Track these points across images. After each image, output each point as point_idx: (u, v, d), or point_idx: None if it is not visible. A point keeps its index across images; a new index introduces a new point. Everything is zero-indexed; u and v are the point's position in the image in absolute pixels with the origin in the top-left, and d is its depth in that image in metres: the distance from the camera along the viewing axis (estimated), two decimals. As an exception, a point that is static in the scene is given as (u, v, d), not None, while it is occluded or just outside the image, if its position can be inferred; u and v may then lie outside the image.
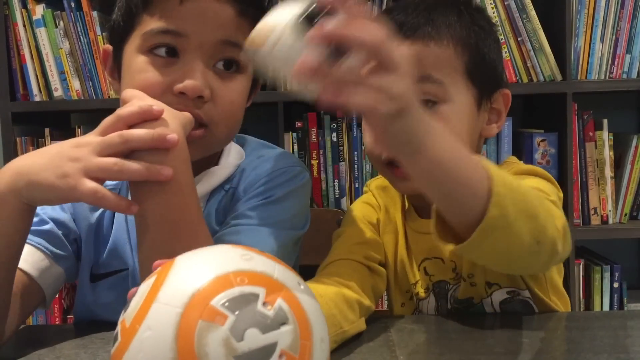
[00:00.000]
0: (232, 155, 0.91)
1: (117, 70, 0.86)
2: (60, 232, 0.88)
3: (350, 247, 0.91)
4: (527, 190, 0.67)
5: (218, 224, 0.87)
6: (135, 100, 0.74)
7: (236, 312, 0.45)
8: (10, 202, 0.71)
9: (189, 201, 0.73)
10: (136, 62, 0.80)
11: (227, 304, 0.45)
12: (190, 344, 0.44)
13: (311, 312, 0.48)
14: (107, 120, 0.73)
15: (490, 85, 0.90)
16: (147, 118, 0.71)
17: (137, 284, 0.83)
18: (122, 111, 0.72)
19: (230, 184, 0.89)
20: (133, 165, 0.70)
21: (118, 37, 0.84)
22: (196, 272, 0.47)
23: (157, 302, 0.46)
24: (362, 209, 0.99)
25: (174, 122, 0.73)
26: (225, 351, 0.44)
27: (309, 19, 0.55)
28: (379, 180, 1.02)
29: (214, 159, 0.89)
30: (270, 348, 0.45)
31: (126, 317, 0.48)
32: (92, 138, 0.72)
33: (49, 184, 0.70)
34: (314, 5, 0.55)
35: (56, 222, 0.88)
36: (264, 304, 0.46)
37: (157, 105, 0.72)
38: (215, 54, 0.80)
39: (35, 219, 0.87)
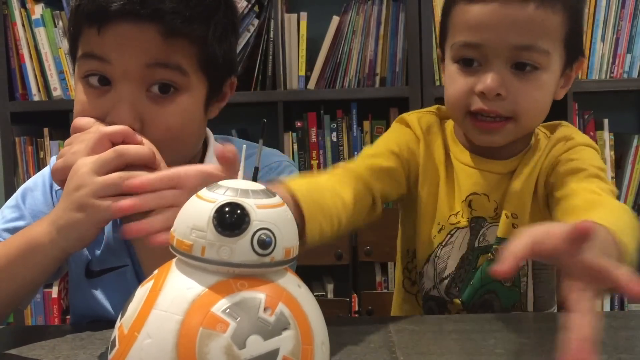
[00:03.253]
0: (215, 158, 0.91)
1: None
2: None
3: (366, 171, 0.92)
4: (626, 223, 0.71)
5: None
6: (96, 127, 0.76)
7: (237, 319, 0.44)
8: (49, 253, 0.75)
9: None
10: (76, 89, 0.82)
11: (228, 310, 0.44)
12: (191, 352, 0.43)
13: (312, 315, 0.48)
14: (92, 139, 0.73)
15: (576, 54, 0.93)
16: (128, 138, 0.74)
17: (141, 279, 0.83)
18: (105, 129, 0.74)
19: None
20: (138, 173, 0.70)
21: (73, 62, 0.85)
22: (195, 277, 0.46)
23: (156, 308, 0.45)
24: (402, 135, 0.99)
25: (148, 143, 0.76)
26: (227, 359, 0.43)
27: None
28: (422, 115, 1.02)
29: (194, 161, 0.90)
30: (272, 354, 0.44)
31: (124, 323, 0.47)
32: (84, 160, 0.72)
33: (73, 221, 0.71)
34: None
35: (37, 218, 0.88)
36: (265, 309, 0.45)
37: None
38: (144, 79, 0.78)
39: (15, 214, 0.89)
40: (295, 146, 1.94)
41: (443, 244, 0.97)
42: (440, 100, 1.91)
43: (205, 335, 0.43)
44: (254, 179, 0.51)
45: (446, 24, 0.93)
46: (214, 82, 0.85)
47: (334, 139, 1.96)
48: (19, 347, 0.75)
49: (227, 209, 0.45)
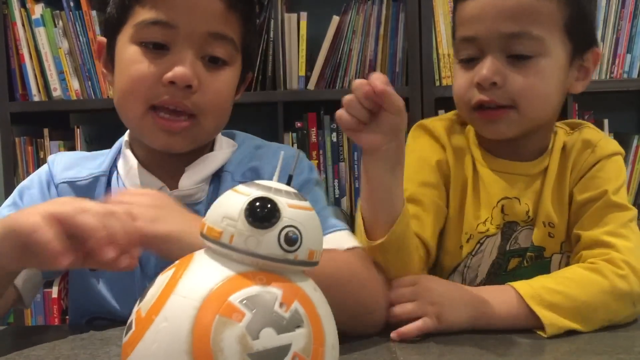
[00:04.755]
0: (224, 145, 0.93)
1: (110, 62, 0.88)
2: None
3: (418, 188, 0.94)
4: (567, 291, 0.80)
5: None
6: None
7: (253, 310, 0.45)
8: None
9: None
10: (128, 52, 0.83)
11: (245, 301, 0.45)
12: (206, 338, 0.44)
13: (325, 318, 0.49)
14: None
15: (585, 42, 0.92)
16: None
17: (145, 271, 0.82)
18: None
19: (226, 170, 0.90)
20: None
21: (112, 29, 0.86)
22: (216, 267, 0.48)
23: (175, 294, 0.46)
24: (428, 147, 0.98)
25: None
26: (240, 348, 0.44)
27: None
28: (444, 122, 1.00)
29: (205, 152, 0.90)
30: (284, 349, 0.45)
31: (142, 307, 0.48)
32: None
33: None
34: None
35: None
36: (281, 304, 0.46)
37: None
38: (203, 46, 0.82)
39: (13, 209, 0.88)
40: (295, 146, 1.94)
41: (473, 253, 0.96)
42: (440, 100, 1.91)
43: (221, 323, 0.44)
44: (288, 183, 0.52)
45: (454, 25, 0.96)
46: (245, 66, 0.90)
47: (334, 139, 1.96)
48: (19, 347, 0.75)
49: (259, 203, 0.48)
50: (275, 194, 0.49)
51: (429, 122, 1.01)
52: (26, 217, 0.63)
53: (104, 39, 0.90)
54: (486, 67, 0.88)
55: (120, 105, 0.86)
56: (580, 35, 0.91)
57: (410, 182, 0.91)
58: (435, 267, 0.98)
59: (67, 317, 1.94)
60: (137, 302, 0.49)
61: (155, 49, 0.82)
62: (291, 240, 0.47)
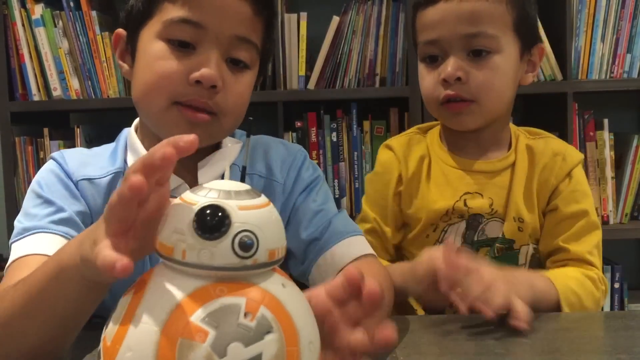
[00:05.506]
0: (229, 141, 0.94)
1: (129, 54, 0.89)
2: (79, 220, 0.86)
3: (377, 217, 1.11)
4: (580, 294, 0.97)
5: None
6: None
7: (217, 327, 0.43)
8: (75, 280, 0.60)
9: None
10: (154, 48, 0.83)
11: (207, 319, 0.43)
12: None
13: (297, 315, 0.47)
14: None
15: (530, 39, 1.06)
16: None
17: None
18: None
19: (235, 164, 0.93)
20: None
21: (135, 21, 0.87)
22: (173, 286, 0.45)
23: (135, 320, 0.45)
24: (389, 162, 1.13)
25: None
26: None
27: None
28: (402, 138, 1.16)
29: (212, 149, 0.92)
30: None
31: (107, 335, 0.46)
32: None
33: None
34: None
35: (75, 211, 0.86)
36: (246, 314, 0.44)
37: None
38: (229, 49, 0.84)
39: (51, 209, 0.85)
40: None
41: (440, 240, 1.08)
42: (440, 100, 1.91)
43: (185, 345, 0.42)
44: (242, 179, 0.50)
45: (414, 31, 1.08)
46: (261, 69, 0.92)
47: (334, 139, 1.96)
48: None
49: (207, 212, 0.45)
50: (225, 197, 0.46)
51: (389, 141, 1.17)
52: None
53: (122, 31, 0.90)
54: (450, 65, 1.00)
55: (141, 98, 0.86)
56: (527, 34, 1.05)
57: (372, 211, 1.10)
58: (404, 258, 1.12)
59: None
60: (104, 328, 0.48)
61: (182, 47, 0.82)
62: (246, 246, 0.45)
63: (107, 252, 0.47)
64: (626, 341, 0.77)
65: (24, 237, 0.83)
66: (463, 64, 1.00)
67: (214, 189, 0.47)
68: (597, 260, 1.05)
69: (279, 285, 0.47)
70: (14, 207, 1.95)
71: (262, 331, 0.44)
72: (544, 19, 1.86)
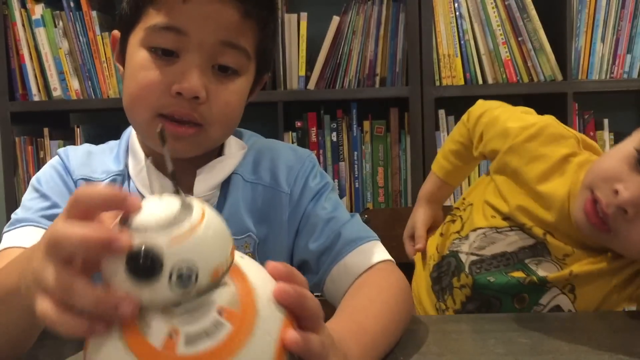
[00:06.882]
0: (234, 146, 0.92)
1: (122, 56, 0.87)
2: None
3: None
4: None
5: (248, 212, 0.88)
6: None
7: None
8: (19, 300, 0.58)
9: None
10: (138, 57, 0.81)
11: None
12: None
13: (253, 276, 0.48)
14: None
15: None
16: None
17: None
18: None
19: (236, 172, 0.90)
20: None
21: (125, 25, 0.85)
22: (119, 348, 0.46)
23: None
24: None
25: None
26: (164, 317, 0.44)
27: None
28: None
29: (214, 154, 0.90)
30: (207, 305, 0.45)
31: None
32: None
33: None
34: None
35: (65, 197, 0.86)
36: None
37: None
38: (215, 55, 0.80)
39: (46, 204, 0.86)
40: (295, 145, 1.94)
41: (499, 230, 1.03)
42: (440, 100, 1.91)
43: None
44: (173, 180, 0.48)
45: None
46: (260, 71, 0.88)
47: (334, 139, 1.96)
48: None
49: (136, 257, 0.43)
50: (155, 232, 0.44)
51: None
52: None
53: (118, 33, 0.88)
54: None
55: (128, 109, 0.85)
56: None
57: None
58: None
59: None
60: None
61: (165, 55, 0.80)
62: (185, 278, 0.43)
63: (45, 307, 0.47)
64: (626, 341, 0.77)
65: (15, 228, 0.83)
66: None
67: (142, 226, 0.44)
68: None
69: (238, 257, 0.49)
70: (13, 207, 1.94)
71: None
72: (544, 19, 1.87)
